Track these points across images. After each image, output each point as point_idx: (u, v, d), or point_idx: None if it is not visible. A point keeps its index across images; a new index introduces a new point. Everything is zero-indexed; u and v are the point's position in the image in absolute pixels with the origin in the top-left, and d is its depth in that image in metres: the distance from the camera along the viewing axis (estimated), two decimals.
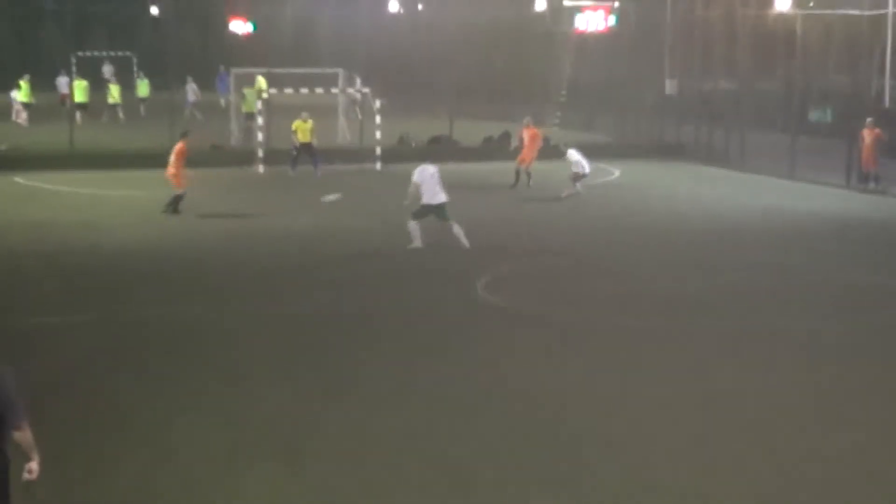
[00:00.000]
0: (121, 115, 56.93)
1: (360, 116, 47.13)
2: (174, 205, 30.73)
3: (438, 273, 24.01)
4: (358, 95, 48.82)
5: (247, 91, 48.42)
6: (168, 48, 59.47)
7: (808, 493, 12.57)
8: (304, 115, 40.10)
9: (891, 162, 37.25)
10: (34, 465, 9.52)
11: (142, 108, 58.48)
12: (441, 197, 26.28)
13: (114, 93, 58.47)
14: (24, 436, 9.47)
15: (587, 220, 31.28)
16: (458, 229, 26.22)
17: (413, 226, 26.24)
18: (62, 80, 58.67)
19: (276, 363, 17.37)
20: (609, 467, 13.21)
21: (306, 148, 39.73)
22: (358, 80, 55.43)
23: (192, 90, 59.79)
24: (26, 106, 55.18)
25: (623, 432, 14.48)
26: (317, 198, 31.75)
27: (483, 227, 29.63)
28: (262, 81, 49.31)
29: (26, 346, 18.20)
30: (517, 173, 37.03)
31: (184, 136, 31.94)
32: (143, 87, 60.03)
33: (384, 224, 29.50)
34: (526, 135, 37.73)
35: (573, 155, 35.70)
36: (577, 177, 35.38)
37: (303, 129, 39.79)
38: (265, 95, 45.57)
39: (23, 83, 55.76)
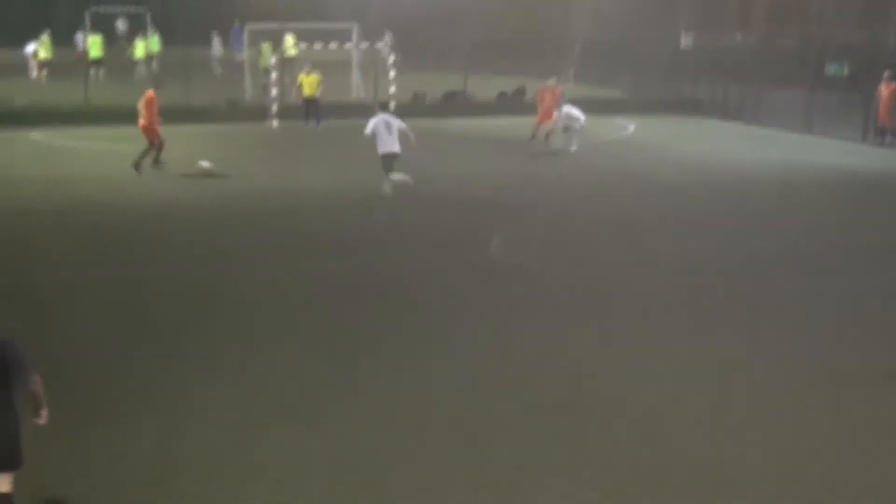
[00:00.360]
0: (143, 71, 56.23)
1: (391, 73, 47.27)
2: (150, 159, 30.25)
3: (451, 232, 23.85)
4: (387, 49, 48.68)
5: (264, 47, 48.19)
6: (181, 3, 59.23)
7: (829, 455, 12.47)
8: (308, 66, 40.10)
9: None
10: (44, 413, 10.15)
11: (154, 64, 58.03)
12: (396, 147, 27.14)
13: (139, 49, 57.98)
14: (36, 386, 10.06)
15: (600, 175, 31.05)
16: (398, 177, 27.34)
17: (394, 177, 27.16)
18: (80, 37, 58.24)
19: (294, 327, 17.19)
20: (620, 429, 13.08)
21: (311, 101, 39.75)
22: (388, 35, 55.12)
23: (216, 44, 59.14)
24: (47, 63, 54.75)
25: (634, 394, 14.35)
26: (327, 154, 31.62)
27: (497, 183, 29.52)
28: (290, 39, 49.19)
29: (40, 302, 18.14)
30: (534, 130, 36.55)
31: (156, 87, 31.16)
32: (153, 43, 59.50)
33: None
34: (548, 94, 36.71)
35: (568, 109, 35.11)
36: (573, 129, 34.87)
37: (308, 83, 39.83)
38: (293, 52, 45.62)
39: (45, 38, 55.37)
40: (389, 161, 27.03)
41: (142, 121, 29.99)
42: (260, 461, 12.15)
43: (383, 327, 17.10)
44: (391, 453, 12.42)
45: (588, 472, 11.98)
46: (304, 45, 44.96)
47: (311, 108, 39.86)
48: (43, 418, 10.18)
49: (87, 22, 58.01)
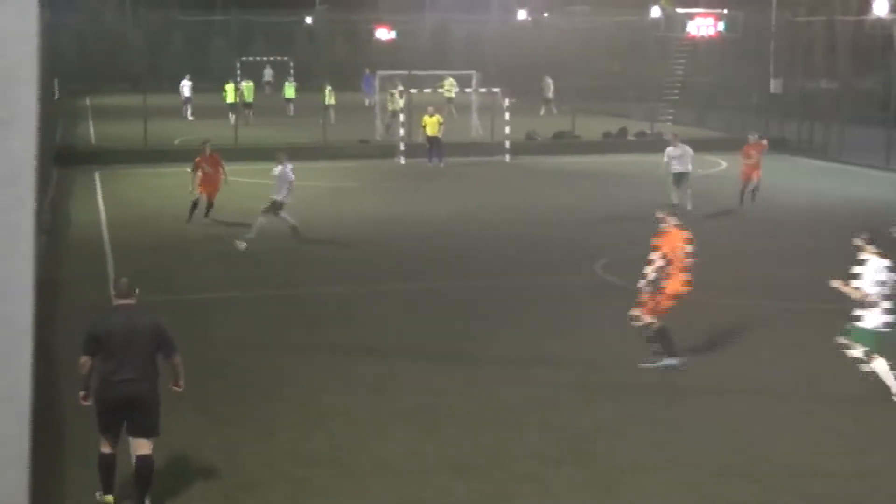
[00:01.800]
0: (332, 116, 54.64)
1: (554, 111, 47.53)
2: (206, 210, 27.87)
3: (561, 256, 23.93)
4: (550, 94, 49.69)
5: (394, 92, 48.59)
6: (318, 55, 60.00)
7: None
8: (431, 109, 40.48)
9: None
10: (181, 382, 11.15)
11: (290, 108, 58.65)
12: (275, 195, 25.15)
13: (288, 91, 59.09)
14: (177, 364, 11.02)
15: (694, 207, 30.82)
16: (262, 223, 24.93)
17: (258, 222, 25.07)
18: (243, 83, 59.42)
19: (414, 337, 17.46)
20: (714, 441, 13.05)
21: (433, 140, 40.03)
22: (549, 81, 55.14)
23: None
24: (250, 104, 54.92)
25: (729, 407, 14.29)
26: (449, 187, 31.81)
27: (597, 214, 29.46)
28: (451, 82, 49.55)
29: (204, 315, 18.57)
30: (741, 194, 30.43)
31: (204, 143, 29.13)
32: (289, 90, 60.16)
33: (514, 211, 29.50)
34: (753, 151, 30.89)
35: (670, 152, 30.04)
36: (677, 178, 29.60)
37: (430, 123, 40.11)
38: (452, 94, 45.95)
39: (247, 84, 55.61)
40: (280, 205, 25.26)
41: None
42: (383, 459, 12.37)
43: (494, 341, 17.24)
44: (501, 453, 12.57)
45: (675, 472, 12.02)
46: (428, 90, 45.29)
47: (433, 147, 40.15)
48: (180, 386, 11.15)
49: (238, 71, 58.95)
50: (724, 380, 15.32)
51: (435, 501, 11.25)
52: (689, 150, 30.07)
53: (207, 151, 28.32)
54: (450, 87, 50.27)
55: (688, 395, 14.66)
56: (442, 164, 39.53)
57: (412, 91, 45.13)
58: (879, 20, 48.99)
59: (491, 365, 15.87)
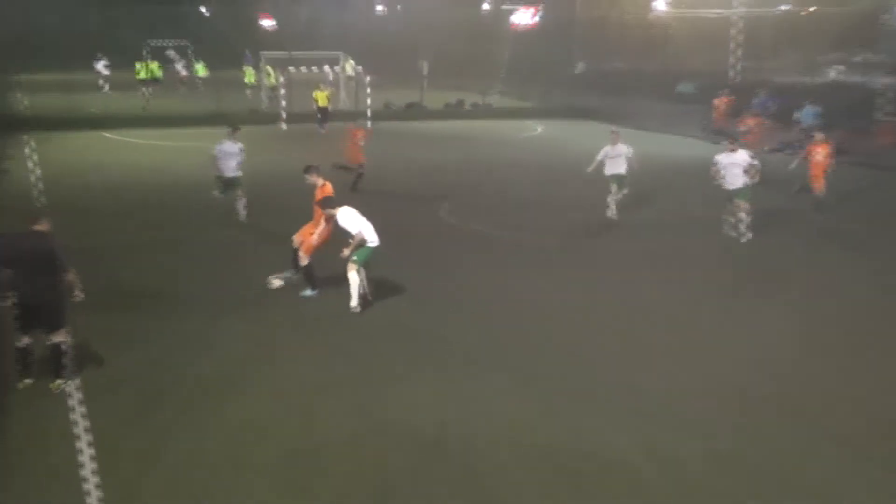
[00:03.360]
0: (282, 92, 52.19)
1: (424, 86, 47.22)
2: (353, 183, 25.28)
3: (410, 202, 23.85)
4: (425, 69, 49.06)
5: (269, 69, 47.68)
6: (212, 37, 58.54)
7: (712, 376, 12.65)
8: (322, 85, 40.26)
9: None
10: (79, 293, 11.38)
11: (199, 85, 57.08)
12: (233, 173, 20.92)
13: (200, 69, 57.42)
14: (72, 277, 11.27)
15: (519, 163, 31.08)
16: (242, 203, 21.23)
17: (218, 194, 21.38)
18: (181, 64, 57.94)
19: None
20: (549, 353, 13.18)
21: (324, 111, 39.71)
22: (425, 62, 54.34)
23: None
24: (157, 81, 52.62)
25: (561, 328, 14.44)
26: (323, 147, 31.39)
27: (441, 169, 29.48)
28: (351, 62, 48.81)
29: (116, 255, 17.99)
30: (815, 202, 22.76)
31: (360, 119, 28.74)
32: (200, 69, 58.51)
33: (373, 167, 29.25)
34: (820, 150, 22.36)
35: (606, 150, 22.20)
36: (616, 180, 21.96)
37: (321, 97, 39.82)
38: (352, 72, 45.41)
39: (154, 64, 53.41)
40: (232, 183, 21.09)
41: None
42: (267, 378, 12.06)
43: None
44: (371, 364, 12.47)
45: (523, 372, 12.12)
46: (305, 69, 44.59)
47: (323, 116, 39.86)
48: (77, 297, 11.33)
49: (146, 51, 57.04)
50: (550, 302, 15.46)
51: (319, 411, 11.01)
52: (626, 149, 22.13)
53: (367, 125, 27.90)
54: (349, 67, 49.76)
55: (528, 310, 14.79)
56: (323, 131, 38.99)
57: (292, 70, 44.30)
58: (659, 15, 50.00)
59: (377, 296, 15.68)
